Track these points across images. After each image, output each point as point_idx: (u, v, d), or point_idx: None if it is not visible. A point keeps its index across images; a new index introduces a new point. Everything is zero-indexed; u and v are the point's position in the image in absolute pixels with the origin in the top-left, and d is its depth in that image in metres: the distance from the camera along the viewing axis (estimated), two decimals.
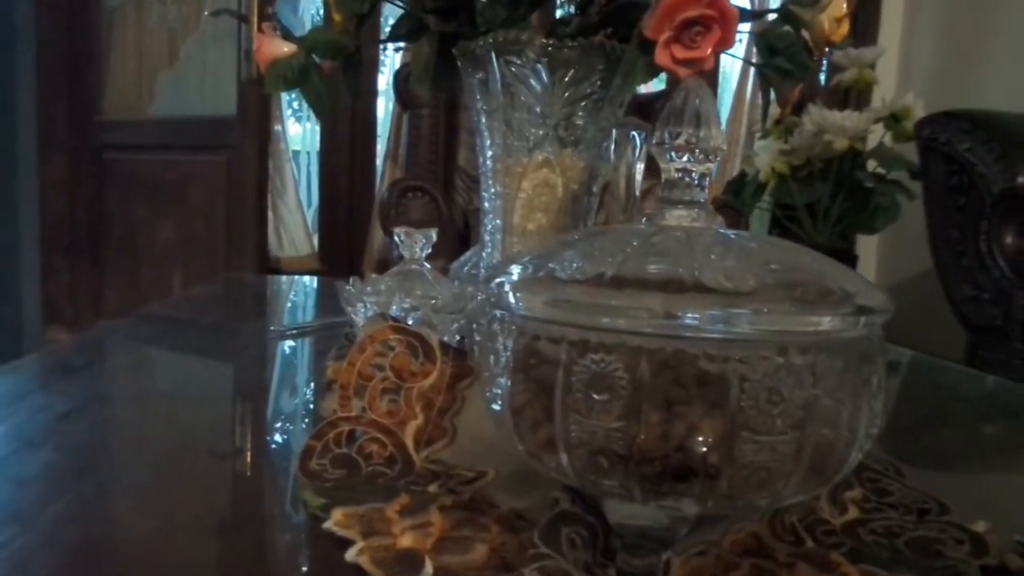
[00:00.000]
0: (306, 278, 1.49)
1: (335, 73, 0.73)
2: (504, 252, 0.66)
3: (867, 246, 2.90)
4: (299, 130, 3.08)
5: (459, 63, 0.66)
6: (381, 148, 2.86)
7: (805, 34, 0.56)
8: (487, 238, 0.67)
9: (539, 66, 0.60)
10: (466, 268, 0.79)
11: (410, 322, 0.63)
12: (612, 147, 0.52)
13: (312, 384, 0.69)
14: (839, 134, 2.36)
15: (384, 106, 2.88)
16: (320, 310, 1.13)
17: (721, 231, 0.35)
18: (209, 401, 0.63)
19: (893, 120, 2.33)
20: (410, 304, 0.63)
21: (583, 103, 0.62)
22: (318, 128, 2.92)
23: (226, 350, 0.81)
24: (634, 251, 0.31)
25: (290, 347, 0.82)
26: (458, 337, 0.66)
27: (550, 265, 0.33)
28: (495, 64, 0.61)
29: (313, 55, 0.70)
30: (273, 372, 0.74)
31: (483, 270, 0.68)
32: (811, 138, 2.43)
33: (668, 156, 0.36)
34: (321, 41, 0.70)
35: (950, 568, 0.35)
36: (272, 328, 0.84)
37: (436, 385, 0.47)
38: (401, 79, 2.31)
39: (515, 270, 0.36)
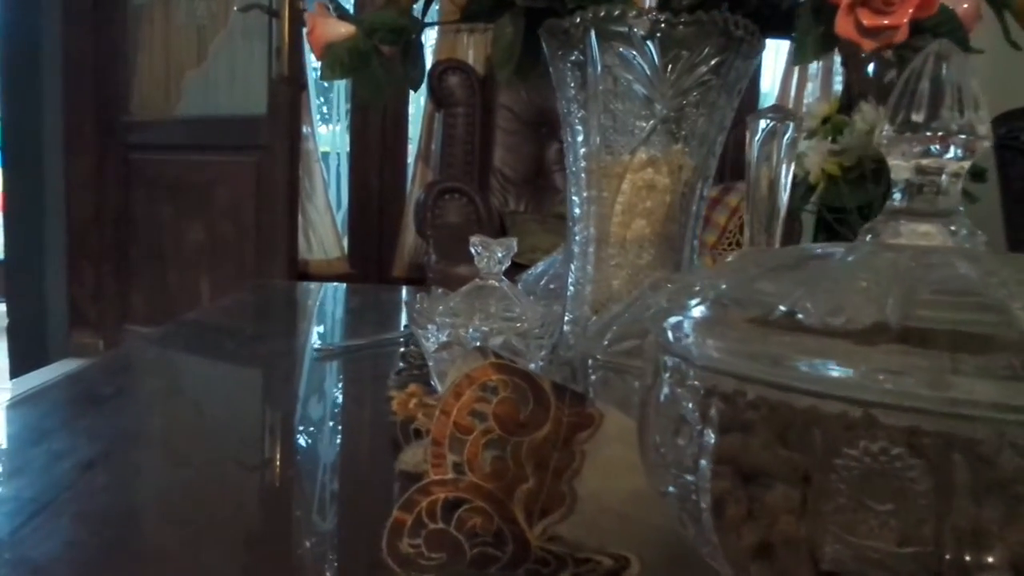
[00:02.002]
0: (338, 285, 1.41)
1: (392, 60, 0.64)
2: (599, 266, 0.56)
3: None
4: (327, 131, 3.01)
5: (545, 45, 0.56)
6: (412, 149, 2.78)
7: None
8: (576, 249, 0.58)
9: (649, 46, 0.50)
10: (543, 282, 0.70)
11: (492, 347, 0.54)
12: (756, 142, 0.42)
13: (374, 417, 0.60)
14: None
15: (415, 105, 2.79)
16: (365, 323, 1.04)
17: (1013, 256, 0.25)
18: (254, 443, 0.54)
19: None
20: (490, 327, 0.54)
21: (696, 91, 0.52)
22: (347, 129, 2.84)
23: (271, 374, 0.72)
24: (905, 286, 0.21)
25: (340, 368, 0.73)
26: (540, 363, 0.56)
27: (762, 301, 0.24)
28: (594, 45, 0.52)
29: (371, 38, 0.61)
30: (327, 401, 0.66)
31: (572, 286, 0.58)
32: (863, 137, 2.31)
33: (908, 149, 0.27)
34: (381, 22, 0.61)
35: None
36: (318, 346, 0.75)
37: (550, 438, 0.37)
38: (435, 76, 2.22)
39: (695, 307, 0.26)
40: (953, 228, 0.26)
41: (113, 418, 0.52)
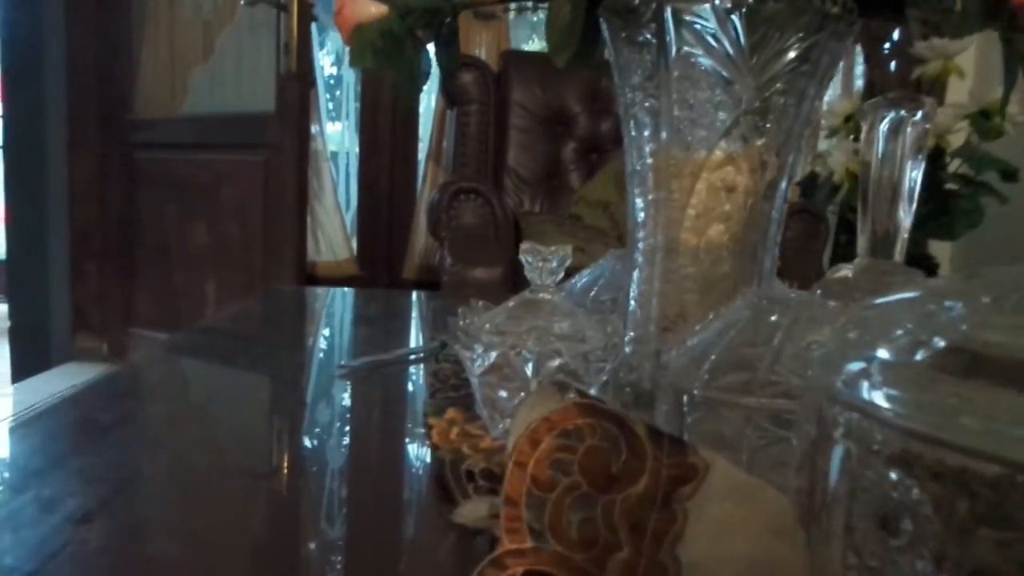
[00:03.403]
0: (348, 290, 1.34)
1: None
2: (667, 278, 0.49)
3: (940, 254, 2.69)
4: (336, 129, 2.94)
5: (606, 26, 0.50)
6: (422, 147, 2.72)
7: None
8: (639, 258, 0.51)
9: (733, 23, 0.44)
10: (592, 293, 0.63)
11: (546, 371, 0.48)
12: (879, 135, 0.35)
13: (412, 450, 0.53)
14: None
15: (425, 103, 2.73)
16: (386, 333, 0.97)
17: None
18: (276, 485, 0.47)
19: (981, 117, 2.13)
20: (545, 348, 0.47)
21: (783, 78, 0.46)
22: (356, 127, 2.78)
23: (289, 396, 0.65)
24: None
25: (365, 388, 0.66)
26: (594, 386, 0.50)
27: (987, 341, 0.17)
28: (669, 23, 0.45)
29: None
30: (356, 430, 0.59)
31: (634, 300, 0.52)
32: None
33: None
34: (417, 2, 0.54)
35: None
36: (342, 363, 0.68)
37: (647, 495, 0.31)
38: (448, 72, 2.15)
39: (895, 346, 0.19)
40: None
41: (115, 454, 0.45)
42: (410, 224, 2.60)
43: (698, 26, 0.44)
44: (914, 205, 0.36)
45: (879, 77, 2.63)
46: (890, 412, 0.19)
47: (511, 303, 0.52)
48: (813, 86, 0.47)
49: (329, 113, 3.00)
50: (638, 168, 0.50)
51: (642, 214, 0.51)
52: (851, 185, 2.26)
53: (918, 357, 0.18)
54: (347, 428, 0.57)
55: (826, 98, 3.07)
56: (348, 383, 0.65)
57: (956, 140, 2.06)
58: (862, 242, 0.37)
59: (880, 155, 0.35)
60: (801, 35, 0.45)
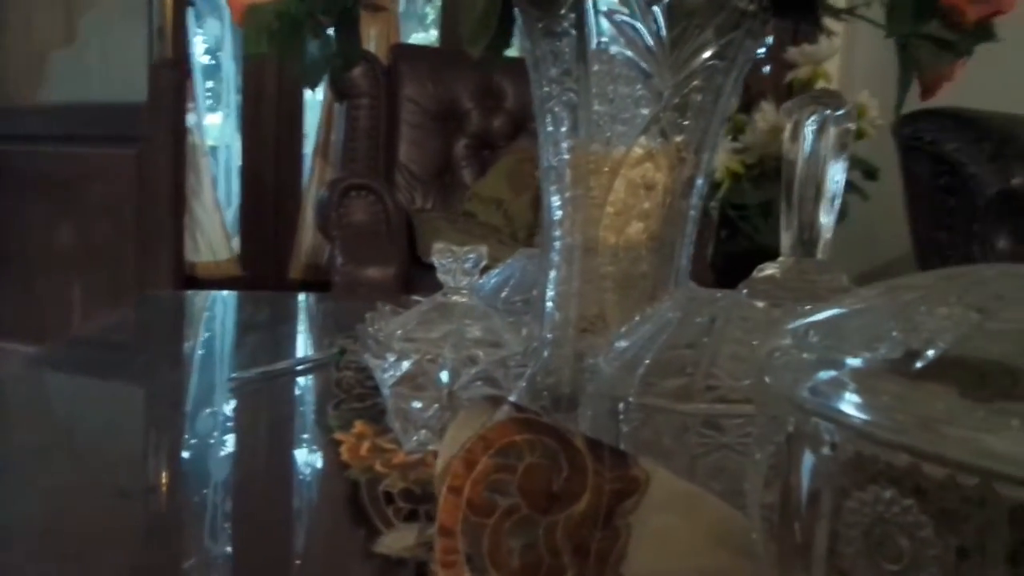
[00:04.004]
0: (231, 294, 1.27)
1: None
2: (586, 278, 0.48)
3: None
4: (215, 121, 2.78)
5: (521, 16, 0.48)
6: (308, 142, 2.61)
7: None
8: (556, 258, 0.49)
9: (654, 16, 0.42)
10: (503, 294, 0.61)
11: (463, 379, 0.45)
12: (805, 134, 0.35)
13: (322, 469, 0.49)
14: None
15: (311, 95, 2.62)
16: (275, 340, 0.92)
17: None
18: (166, 513, 0.42)
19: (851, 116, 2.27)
20: (462, 354, 0.45)
21: (701, 75, 0.45)
22: (237, 120, 2.64)
23: (174, 411, 0.59)
24: None
25: (261, 401, 0.61)
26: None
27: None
28: (590, 13, 0.43)
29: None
30: (256, 448, 0.54)
31: (551, 301, 0.50)
32: (764, 136, 2.35)
33: None
34: None
35: None
36: (232, 375, 0.63)
37: (590, 513, 0.29)
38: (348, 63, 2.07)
39: (874, 354, 0.18)
40: None
41: None
42: (296, 222, 2.50)
43: (619, 17, 0.43)
44: (837, 203, 0.36)
45: (754, 80, 2.76)
46: (874, 424, 0.17)
47: (422, 307, 0.49)
48: (729, 83, 0.47)
49: (207, 104, 2.83)
50: (554, 164, 0.49)
51: (559, 212, 0.49)
52: (731, 183, 2.36)
53: (905, 366, 0.17)
54: (242, 448, 0.52)
55: None
56: (239, 397, 0.60)
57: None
58: (786, 241, 0.37)
59: (805, 154, 0.35)
60: (719, 31, 0.44)
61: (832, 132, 0.35)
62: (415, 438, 0.46)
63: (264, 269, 2.58)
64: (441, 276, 0.49)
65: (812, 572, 0.19)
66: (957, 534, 0.15)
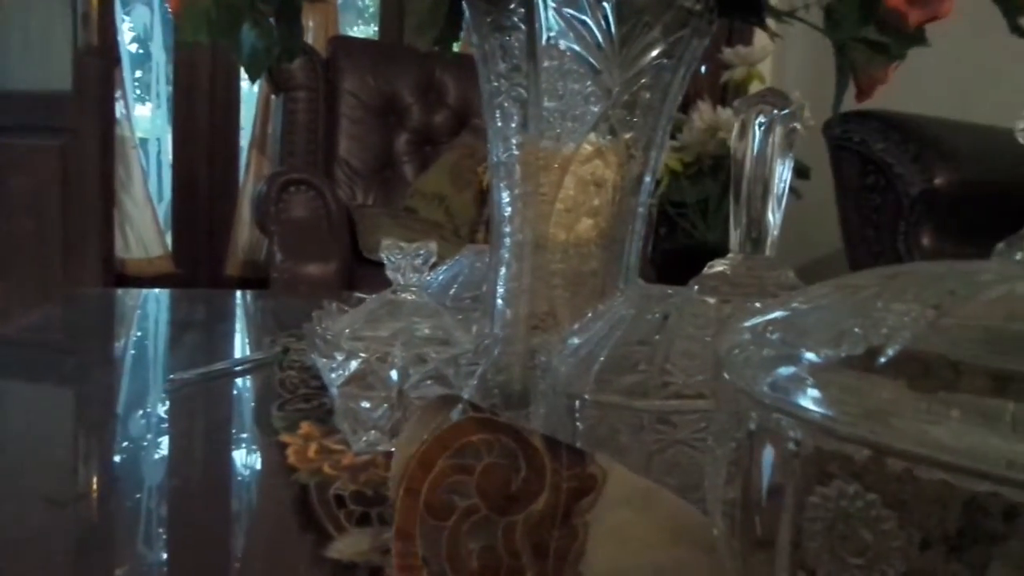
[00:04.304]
0: (164, 292, 1.23)
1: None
2: (536, 275, 0.48)
3: None
4: (145, 113, 2.68)
5: (469, 9, 0.47)
6: (244, 135, 2.54)
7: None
8: (506, 255, 0.49)
9: (604, 12, 0.42)
10: (452, 291, 0.60)
11: (413, 378, 0.44)
12: (754, 132, 0.36)
13: (269, 473, 0.48)
14: (732, 131, 2.34)
15: (247, 86, 2.55)
16: (213, 339, 0.89)
17: None
18: (99, 533, 0.40)
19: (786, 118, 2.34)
20: (412, 353, 0.44)
21: (649, 72, 0.45)
22: (169, 111, 2.55)
23: (108, 416, 0.57)
24: None
25: (201, 403, 0.59)
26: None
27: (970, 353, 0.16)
28: (540, 7, 0.43)
29: None
30: (199, 453, 0.52)
31: (501, 299, 0.50)
32: (700, 135, 2.41)
33: None
34: None
35: None
36: (170, 376, 0.60)
37: (548, 512, 0.28)
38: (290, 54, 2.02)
39: (834, 350, 0.19)
40: None
41: None
42: (232, 217, 2.43)
43: (568, 13, 0.43)
44: (784, 201, 0.37)
45: (691, 79, 2.82)
46: (835, 419, 0.18)
47: (369, 305, 0.48)
48: (677, 82, 0.47)
49: (136, 95, 2.73)
50: (504, 160, 0.48)
51: (508, 208, 0.49)
52: (669, 181, 2.40)
53: (868, 362, 0.18)
54: (180, 451, 0.50)
55: None
56: (177, 398, 0.58)
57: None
58: (735, 238, 0.37)
59: (754, 152, 0.35)
60: (667, 30, 0.44)
61: (778, 131, 0.36)
62: (364, 439, 0.45)
63: (199, 266, 2.50)
64: (390, 273, 0.48)
65: (775, 567, 0.19)
66: (919, 526, 0.16)
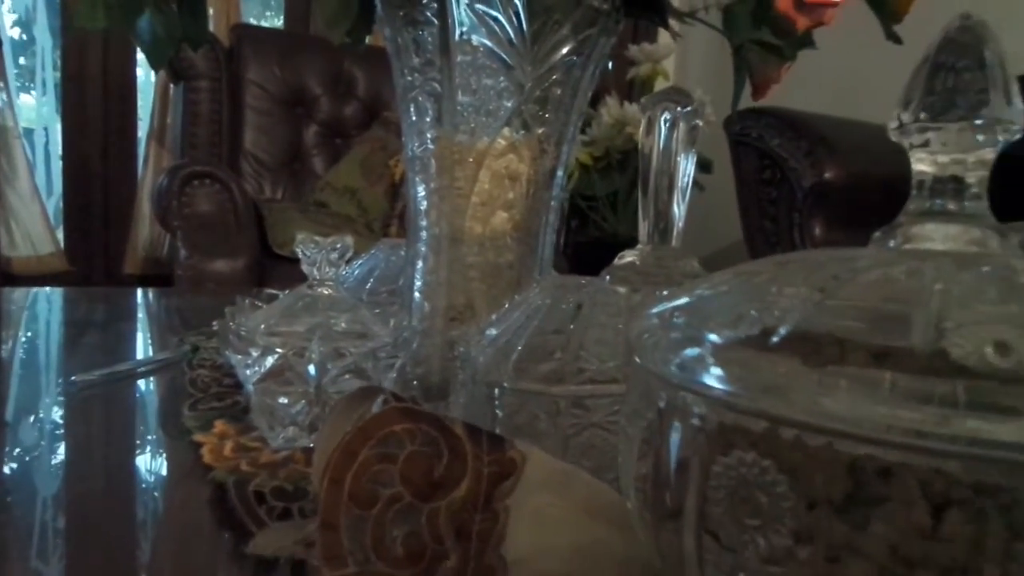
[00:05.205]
0: (56, 290, 1.17)
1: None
2: (453, 268, 0.49)
3: None
4: (29, 102, 2.51)
5: (382, 4, 0.47)
6: (142, 126, 2.43)
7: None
8: (423, 249, 0.50)
9: (515, 9, 0.43)
10: (368, 285, 0.60)
11: (332, 373, 0.44)
12: (659, 129, 0.37)
13: (183, 472, 0.46)
14: (639, 127, 2.40)
15: (144, 75, 2.44)
16: (114, 340, 0.85)
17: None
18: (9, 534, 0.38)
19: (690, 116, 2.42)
20: (330, 347, 0.44)
21: (560, 69, 0.47)
22: (57, 100, 2.40)
23: (11, 425, 0.54)
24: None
25: (107, 404, 0.57)
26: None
27: (850, 328, 0.18)
28: (453, 3, 0.44)
29: None
30: (107, 456, 0.50)
31: (419, 292, 0.50)
32: (609, 130, 2.46)
33: (927, 140, 0.23)
34: None
35: None
36: (72, 378, 0.58)
37: (470, 498, 0.29)
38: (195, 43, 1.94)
39: (734, 331, 0.20)
40: (981, 230, 0.22)
41: None
42: (130, 212, 2.32)
43: (480, 9, 0.43)
44: (688, 194, 0.39)
45: (604, 78, 2.89)
46: (735, 394, 0.19)
47: (284, 301, 0.48)
48: (586, 78, 0.49)
49: (19, 83, 2.55)
50: (419, 154, 0.49)
51: (425, 202, 0.49)
52: (580, 174, 2.45)
53: (762, 341, 0.19)
54: (83, 457, 0.48)
55: None
56: (78, 401, 0.56)
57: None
58: (643, 229, 0.39)
59: (659, 147, 0.37)
60: (576, 28, 0.46)
61: (682, 127, 0.38)
62: (283, 435, 0.44)
63: (94, 264, 2.38)
64: (305, 268, 0.47)
65: (683, 536, 0.20)
66: (807, 488, 0.18)
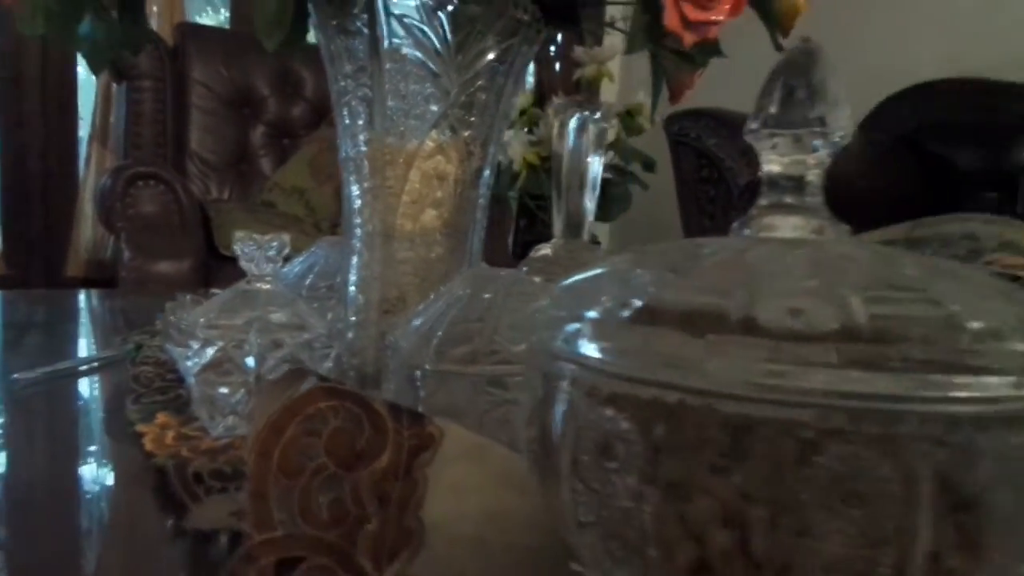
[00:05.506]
0: None
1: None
2: (386, 263, 0.51)
3: (600, 233, 3.06)
4: None
5: (315, 13, 0.50)
6: (83, 125, 2.39)
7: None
8: (358, 245, 0.52)
9: (440, 21, 0.47)
10: (308, 281, 0.63)
11: (270, 363, 0.47)
12: (569, 132, 0.41)
13: (126, 463, 0.48)
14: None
15: (85, 74, 2.39)
16: (58, 340, 0.86)
17: (830, 242, 0.26)
18: None
19: (627, 116, 2.48)
20: (268, 339, 0.46)
21: (484, 75, 0.50)
22: None
23: None
24: (847, 283, 0.21)
25: (48, 402, 0.58)
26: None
27: (695, 302, 0.22)
28: (381, 15, 0.46)
29: None
30: (46, 448, 0.52)
31: (354, 286, 0.53)
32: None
33: (775, 144, 0.27)
34: None
35: None
36: (14, 376, 0.59)
37: (391, 468, 0.32)
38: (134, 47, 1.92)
39: (608, 312, 0.24)
40: (818, 220, 0.26)
41: None
42: (72, 213, 2.28)
43: (408, 21, 0.46)
44: (597, 192, 0.43)
45: (547, 77, 2.92)
46: (600, 361, 0.23)
47: (224, 296, 0.50)
48: (510, 84, 0.52)
49: None
50: (353, 156, 0.51)
51: (359, 201, 0.52)
52: (528, 174, 2.49)
53: (620, 315, 0.23)
54: (37, 451, 0.50)
55: None
56: (20, 399, 0.57)
57: (609, 135, 2.38)
58: (557, 224, 0.43)
59: (570, 149, 0.41)
60: (499, 38, 0.49)
61: (591, 130, 0.41)
62: (223, 424, 0.47)
63: (34, 267, 2.33)
64: (244, 264, 0.50)
65: (561, 486, 0.24)
66: (653, 435, 0.21)
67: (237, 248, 0.48)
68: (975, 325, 0.19)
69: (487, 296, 0.40)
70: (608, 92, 2.97)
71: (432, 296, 0.43)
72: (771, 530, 0.20)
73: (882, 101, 1.85)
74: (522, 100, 2.53)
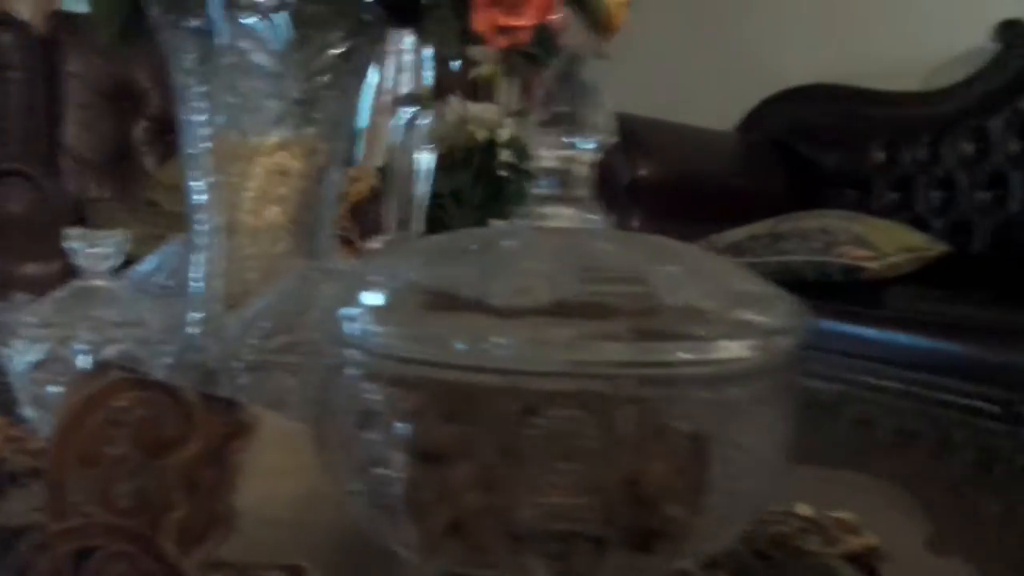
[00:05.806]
0: None
1: None
2: (230, 258, 0.52)
3: None
4: None
5: (151, 6, 0.49)
6: None
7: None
8: (201, 240, 0.52)
9: (278, 19, 0.47)
10: (155, 278, 0.62)
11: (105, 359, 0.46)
12: (398, 129, 0.42)
13: None
14: (480, 125, 2.48)
15: None
16: None
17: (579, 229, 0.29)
18: None
19: (519, 114, 2.53)
20: (100, 337, 0.46)
21: (327, 73, 0.51)
22: None
23: None
24: (567, 265, 0.23)
25: None
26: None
27: (445, 286, 0.24)
28: (219, 12, 0.47)
29: None
30: None
31: (198, 282, 0.53)
32: (452, 128, 2.52)
33: (552, 142, 0.29)
34: None
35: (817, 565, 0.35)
36: None
37: (201, 456, 0.33)
38: None
39: (375, 296, 0.25)
40: (585, 211, 0.29)
41: None
42: None
43: (245, 18, 0.47)
44: (427, 187, 0.44)
45: (445, 74, 2.95)
46: (361, 339, 0.25)
47: (59, 294, 0.49)
48: (355, 82, 0.53)
49: None
50: (194, 151, 0.51)
51: (202, 196, 0.52)
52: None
53: (381, 299, 0.25)
54: None
55: (404, 89, 3.32)
56: None
57: (505, 133, 2.41)
58: (389, 218, 0.44)
59: (398, 145, 0.42)
60: (342, 38, 0.50)
61: (420, 127, 0.43)
62: (52, 423, 0.46)
63: None
64: (80, 262, 0.49)
65: (334, 448, 0.25)
66: (403, 407, 0.23)
67: (68, 246, 0.48)
68: (670, 301, 0.22)
69: (320, 288, 0.41)
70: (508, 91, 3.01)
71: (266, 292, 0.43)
72: (509, 488, 0.22)
73: (757, 104, 1.95)
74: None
